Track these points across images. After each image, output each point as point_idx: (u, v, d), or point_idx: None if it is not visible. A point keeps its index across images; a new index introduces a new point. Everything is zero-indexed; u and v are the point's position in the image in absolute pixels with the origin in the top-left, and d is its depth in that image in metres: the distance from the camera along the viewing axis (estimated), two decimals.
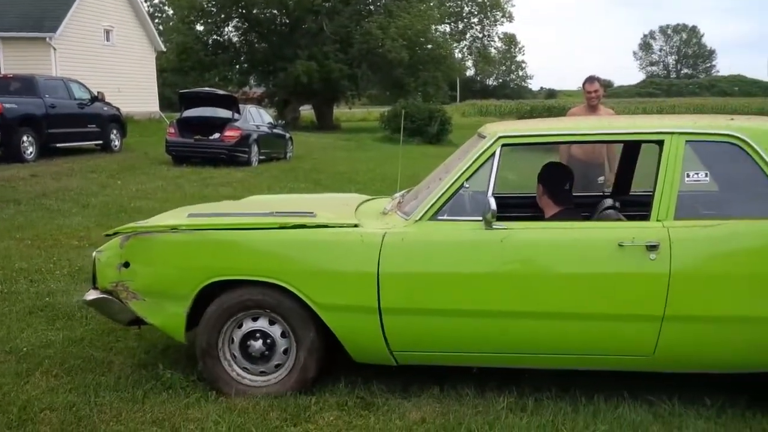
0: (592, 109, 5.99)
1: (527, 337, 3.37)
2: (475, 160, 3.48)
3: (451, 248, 3.38)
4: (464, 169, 3.48)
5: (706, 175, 3.37)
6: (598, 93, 5.99)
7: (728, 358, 3.31)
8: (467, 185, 3.47)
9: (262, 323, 3.59)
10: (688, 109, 42.28)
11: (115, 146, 16.17)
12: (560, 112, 24.62)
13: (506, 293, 3.32)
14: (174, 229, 3.60)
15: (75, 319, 4.78)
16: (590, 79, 6.06)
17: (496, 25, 43.64)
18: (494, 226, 3.33)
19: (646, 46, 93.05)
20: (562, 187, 3.91)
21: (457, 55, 41.13)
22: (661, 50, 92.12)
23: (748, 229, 3.22)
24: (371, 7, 34.15)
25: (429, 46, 33.30)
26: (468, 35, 43.06)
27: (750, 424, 3.27)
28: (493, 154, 3.47)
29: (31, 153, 13.28)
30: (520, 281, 3.31)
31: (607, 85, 67.68)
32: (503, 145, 3.48)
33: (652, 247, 3.18)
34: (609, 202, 4.09)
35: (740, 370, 3.39)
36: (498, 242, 3.31)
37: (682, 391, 3.51)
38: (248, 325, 3.60)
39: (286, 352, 3.61)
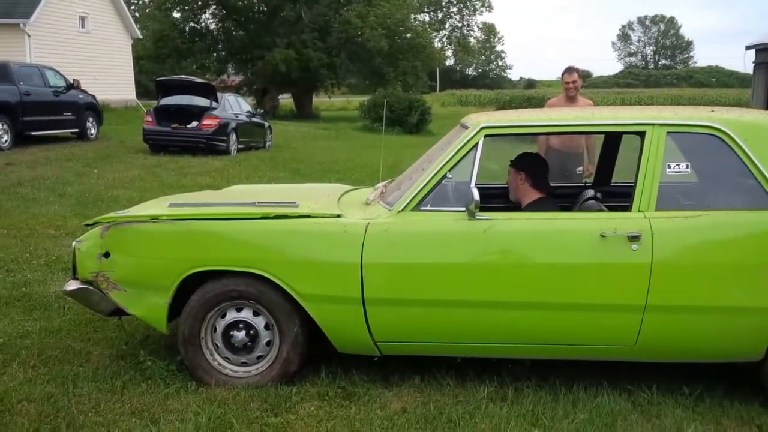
0: (570, 99, 5.99)
1: (511, 327, 3.39)
2: (458, 150, 3.48)
3: (434, 239, 3.38)
4: (447, 159, 3.47)
5: (687, 167, 3.40)
6: (576, 84, 5.98)
7: (709, 348, 3.35)
8: (450, 175, 3.47)
9: (246, 314, 3.57)
10: (666, 100, 42.72)
11: (92, 134, 15.96)
12: (539, 101, 24.74)
13: (489, 284, 3.33)
14: (155, 219, 3.56)
15: (52, 310, 4.72)
16: (569, 70, 6.05)
17: (475, 14, 43.71)
18: (477, 217, 3.33)
19: (624, 36, 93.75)
20: (541, 175, 3.93)
21: (437, 44, 41.11)
22: (639, 41, 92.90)
23: (728, 219, 3.25)
24: None
25: (408, 36, 33.24)
26: (447, 24, 43.09)
27: (727, 413, 3.33)
28: (476, 145, 3.47)
29: (5, 141, 13.06)
30: (503, 272, 3.32)
31: (586, 75, 67.92)
32: (486, 136, 3.48)
33: (633, 238, 3.20)
34: (590, 193, 4.12)
35: (720, 359, 3.43)
36: (481, 233, 3.32)
37: (660, 380, 3.56)
38: (232, 315, 3.58)
39: (269, 344, 3.60)
